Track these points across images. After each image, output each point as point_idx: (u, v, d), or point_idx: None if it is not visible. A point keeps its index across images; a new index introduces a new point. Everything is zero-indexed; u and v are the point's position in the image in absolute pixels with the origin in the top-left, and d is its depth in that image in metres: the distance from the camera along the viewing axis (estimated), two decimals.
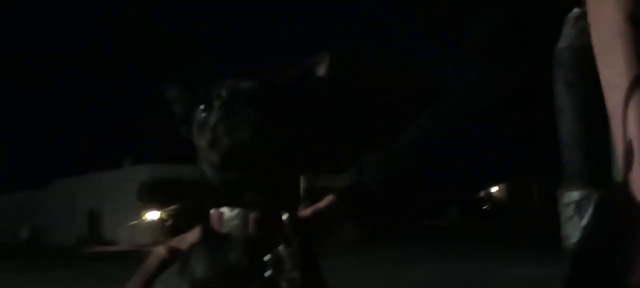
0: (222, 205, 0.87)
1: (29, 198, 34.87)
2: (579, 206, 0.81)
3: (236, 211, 0.85)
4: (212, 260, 0.85)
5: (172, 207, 22.44)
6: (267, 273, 0.83)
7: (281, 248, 0.84)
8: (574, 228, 0.82)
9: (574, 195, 0.82)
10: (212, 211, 0.88)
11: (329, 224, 1.01)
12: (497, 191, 32.21)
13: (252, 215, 0.85)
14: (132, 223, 24.16)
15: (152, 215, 23.63)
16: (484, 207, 30.94)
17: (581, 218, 0.81)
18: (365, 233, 1.06)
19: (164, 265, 0.97)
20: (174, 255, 0.96)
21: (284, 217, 0.85)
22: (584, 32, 0.85)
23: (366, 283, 5.35)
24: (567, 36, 0.89)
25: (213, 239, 0.87)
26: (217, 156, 0.84)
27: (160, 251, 0.99)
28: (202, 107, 0.86)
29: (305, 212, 0.95)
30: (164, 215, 23.11)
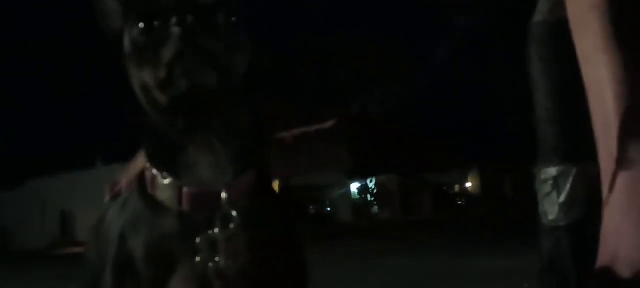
0: (158, 163, 0.74)
1: None
2: (557, 182, 0.79)
3: (169, 181, 0.73)
4: (145, 224, 0.73)
5: None
6: (198, 258, 0.71)
7: (217, 230, 0.72)
8: (552, 205, 0.80)
9: (551, 171, 0.80)
10: (146, 167, 0.76)
11: (324, 150, 0.99)
12: (470, 185, 32.58)
13: (186, 190, 0.72)
14: None
15: None
16: (459, 202, 31.28)
17: (559, 194, 0.79)
18: (356, 165, 1.05)
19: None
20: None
21: (223, 194, 0.72)
22: (558, 6, 0.83)
23: (335, 279, 5.34)
24: (541, 11, 0.87)
25: (147, 201, 0.75)
26: (165, 98, 0.68)
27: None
28: (141, 26, 0.68)
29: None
30: None
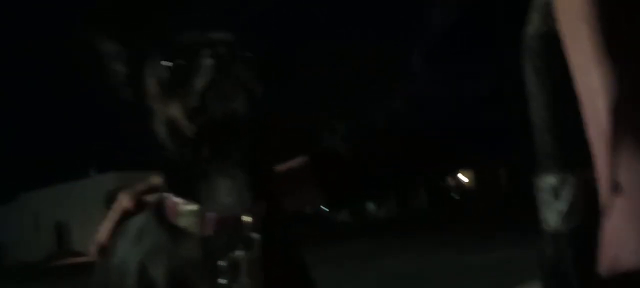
0: (179, 192, 0.78)
1: None
2: (556, 190, 0.81)
3: (193, 207, 0.76)
4: (166, 252, 0.76)
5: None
6: (222, 280, 0.74)
7: (239, 252, 0.75)
8: (551, 213, 0.82)
9: (550, 179, 0.82)
10: (165, 197, 0.79)
11: (295, 188, 1.00)
12: (465, 179, 32.64)
13: (210, 215, 0.76)
14: None
15: None
16: (453, 196, 31.35)
17: (559, 202, 0.81)
18: (328, 200, 1.06)
19: (126, 215, 0.92)
20: (138, 207, 0.92)
21: (245, 218, 0.76)
22: (550, 17, 0.85)
23: (334, 280, 5.36)
24: (533, 21, 0.89)
25: (166, 229, 0.78)
26: (193, 128, 0.72)
27: (124, 202, 0.93)
28: (166, 63, 0.73)
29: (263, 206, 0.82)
30: None
